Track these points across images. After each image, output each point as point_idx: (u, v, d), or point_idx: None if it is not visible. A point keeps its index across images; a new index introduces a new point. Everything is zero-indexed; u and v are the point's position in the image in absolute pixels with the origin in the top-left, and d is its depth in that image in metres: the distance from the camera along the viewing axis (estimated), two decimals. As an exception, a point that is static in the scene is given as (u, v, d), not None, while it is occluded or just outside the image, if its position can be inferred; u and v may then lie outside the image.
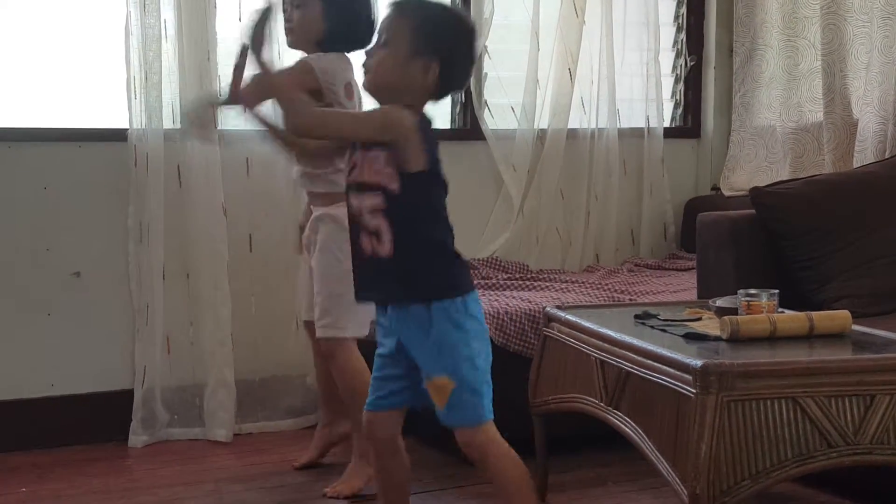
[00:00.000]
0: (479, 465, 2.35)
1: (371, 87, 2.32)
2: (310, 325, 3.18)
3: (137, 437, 3.57)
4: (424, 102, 2.31)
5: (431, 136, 2.28)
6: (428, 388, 2.28)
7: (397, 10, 2.31)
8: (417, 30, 2.26)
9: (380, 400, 2.38)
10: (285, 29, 3.09)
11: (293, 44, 3.11)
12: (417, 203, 2.27)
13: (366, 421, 2.40)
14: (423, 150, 2.24)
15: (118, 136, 3.56)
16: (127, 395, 3.59)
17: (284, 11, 3.08)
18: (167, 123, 3.59)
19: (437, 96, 2.32)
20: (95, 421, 3.59)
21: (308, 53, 3.07)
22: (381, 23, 2.32)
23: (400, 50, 2.26)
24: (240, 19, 3.67)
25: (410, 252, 2.26)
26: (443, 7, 2.37)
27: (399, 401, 2.37)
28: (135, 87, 3.54)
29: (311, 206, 3.11)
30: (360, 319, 3.01)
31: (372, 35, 2.94)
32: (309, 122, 2.32)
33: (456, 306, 2.26)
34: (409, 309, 2.28)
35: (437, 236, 2.29)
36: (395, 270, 2.27)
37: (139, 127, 3.55)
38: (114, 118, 3.63)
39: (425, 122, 2.30)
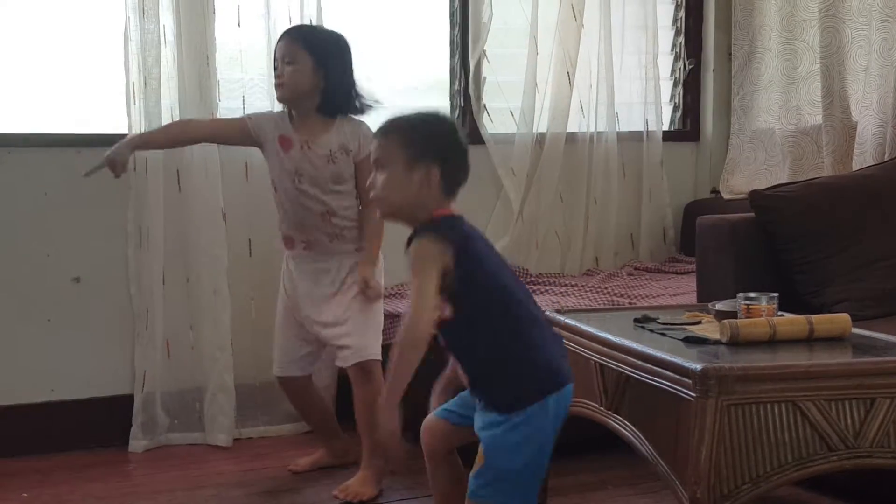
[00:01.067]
0: None
1: (387, 213, 2.38)
2: (288, 382, 3.33)
3: (138, 442, 3.57)
4: (442, 204, 2.32)
5: (462, 245, 2.25)
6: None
7: (381, 134, 2.36)
8: (406, 143, 2.31)
9: (445, 412, 2.42)
10: (276, 84, 3.17)
11: (282, 99, 3.19)
12: (470, 325, 2.26)
13: (425, 428, 2.45)
14: (454, 266, 2.23)
15: (117, 141, 3.55)
16: (127, 400, 3.59)
17: (276, 68, 3.17)
18: (166, 129, 3.60)
19: (450, 192, 2.34)
20: (96, 426, 3.60)
21: (296, 110, 3.18)
22: (372, 153, 2.36)
23: (398, 167, 2.30)
24: (238, 24, 3.68)
25: (478, 375, 2.29)
26: (418, 113, 2.40)
27: (461, 421, 2.38)
28: (134, 93, 3.55)
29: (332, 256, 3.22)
30: (380, 338, 3.23)
31: (359, 104, 3.19)
32: (422, 325, 2.22)
33: (514, 420, 2.24)
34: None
35: (496, 353, 2.27)
36: (480, 386, 2.30)
37: (138, 132, 3.55)
38: (113, 124, 3.63)
39: (446, 234, 2.25)
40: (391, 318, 3.50)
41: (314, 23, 3.69)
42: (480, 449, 2.28)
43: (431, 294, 2.22)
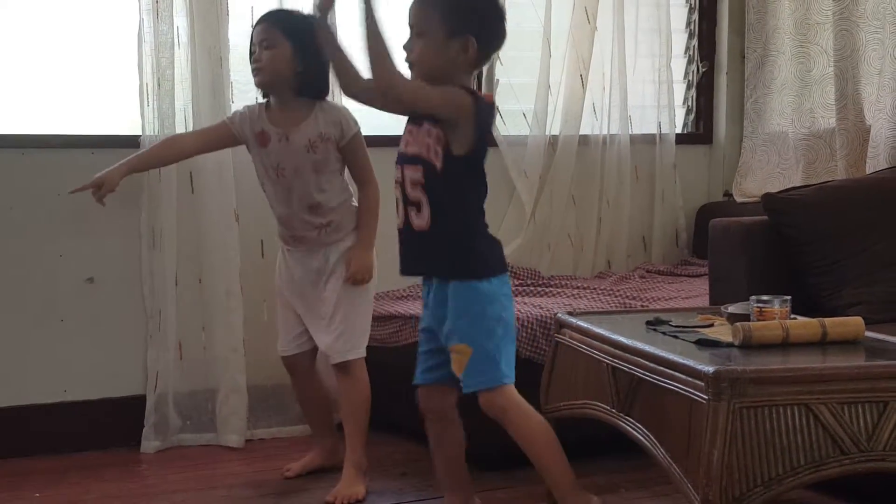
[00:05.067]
0: (503, 426, 2.46)
1: (419, 78, 2.42)
2: (288, 361, 3.31)
3: (150, 443, 3.58)
4: (472, 76, 2.43)
5: (485, 124, 2.40)
6: (451, 355, 2.42)
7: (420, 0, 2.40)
8: (446, 11, 2.35)
9: (425, 374, 2.54)
10: (253, 70, 3.15)
11: (261, 84, 3.17)
12: (455, 184, 2.38)
13: (418, 395, 2.56)
14: (472, 136, 2.35)
15: (131, 142, 3.57)
16: (139, 401, 3.60)
17: (252, 53, 3.15)
18: (180, 130, 3.60)
19: (484, 60, 2.44)
20: (108, 426, 3.61)
21: (274, 94, 3.16)
22: (409, 15, 2.39)
23: (437, 36, 2.36)
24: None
25: (446, 228, 2.39)
26: None
27: (443, 374, 2.50)
28: (147, 94, 3.56)
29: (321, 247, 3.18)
30: (367, 335, 3.22)
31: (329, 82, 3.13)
32: (404, 91, 2.36)
33: (484, 286, 2.40)
34: (448, 285, 2.43)
35: (471, 218, 2.42)
36: (435, 245, 2.41)
37: (152, 133, 3.56)
38: (127, 125, 3.64)
39: (482, 107, 2.38)
40: (400, 320, 3.51)
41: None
42: (459, 349, 2.40)
43: (430, 95, 2.34)
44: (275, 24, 3.12)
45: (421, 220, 2.41)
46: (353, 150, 3.16)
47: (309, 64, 3.07)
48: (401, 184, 2.45)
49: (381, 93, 2.38)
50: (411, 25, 2.40)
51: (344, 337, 3.15)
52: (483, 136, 2.41)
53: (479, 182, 2.45)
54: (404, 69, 2.42)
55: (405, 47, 2.42)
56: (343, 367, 3.15)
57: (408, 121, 2.48)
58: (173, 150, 3.31)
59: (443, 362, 2.50)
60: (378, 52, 2.31)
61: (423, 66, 2.39)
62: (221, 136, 3.23)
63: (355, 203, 3.20)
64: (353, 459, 3.12)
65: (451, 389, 2.53)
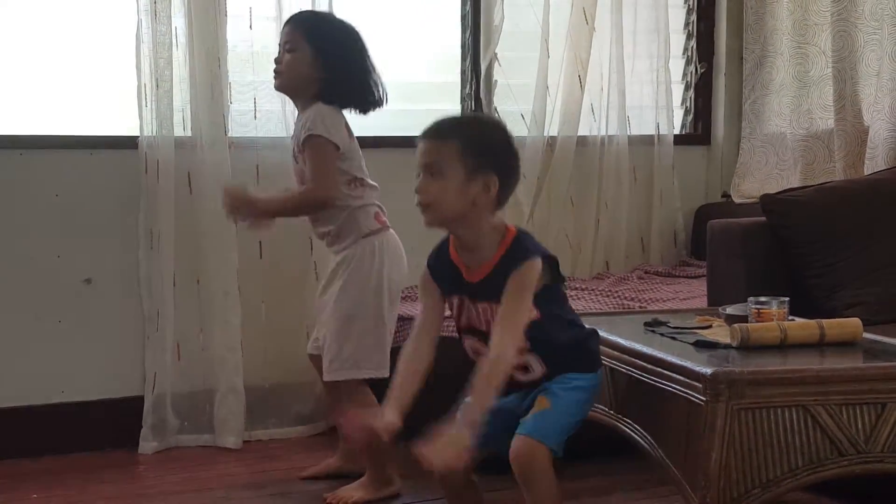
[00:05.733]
0: (522, 483, 2.28)
1: (434, 221, 2.27)
2: (315, 359, 3.21)
3: (147, 444, 3.58)
4: (493, 215, 2.28)
5: (554, 267, 2.30)
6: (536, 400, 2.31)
7: (437, 135, 2.25)
8: (467, 150, 2.21)
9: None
10: (274, 71, 3.07)
11: (279, 87, 3.10)
12: (551, 320, 2.29)
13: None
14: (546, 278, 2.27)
15: (129, 143, 3.57)
16: (137, 402, 3.59)
17: (278, 54, 3.08)
18: (178, 131, 3.60)
19: (503, 202, 2.29)
20: (106, 427, 3.60)
21: (294, 99, 3.09)
22: (423, 154, 2.24)
23: (456, 177, 2.21)
24: (250, 27, 3.68)
25: (558, 361, 2.31)
26: (475, 118, 2.33)
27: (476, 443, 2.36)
28: (145, 95, 3.55)
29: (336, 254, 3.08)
30: (372, 358, 3.03)
31: (365, 98, 3.01)
32: (519, 348, 2.24)
33: (585, 379, 2.33)
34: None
35: (570, 335, 2.34)
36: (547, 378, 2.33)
37: (150, 134, 3.56)
38: (125, 125, 3.64)
39: (548, 263, 2.28)
40: (400, 321, 3.50)
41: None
42: (543, 399, 2.28)
43: (525, 321, 2.22)
44: (298, 27, 3.04)
45: (534, 374, 2.32)
46: (308, 150, 2.97)
47: (332, 70, 2.97)
48: (476, 355, 2.30)
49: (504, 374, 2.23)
50: (424, 164, 2.23)
51: (329, 355, 3.03)
52: (552, 269, 2.29)
53: (564, 299, 2.38)
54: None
55: (418, 189, 2.25)
56: (334, 385, 3.06)
57: (473, 297, 2.31)
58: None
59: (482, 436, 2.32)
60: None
61: (440, 209, 2.23)
62: None
63: (359, 208, 3.03)
64: (371, 473, 3.06)
65: (477, 457, 2.35)
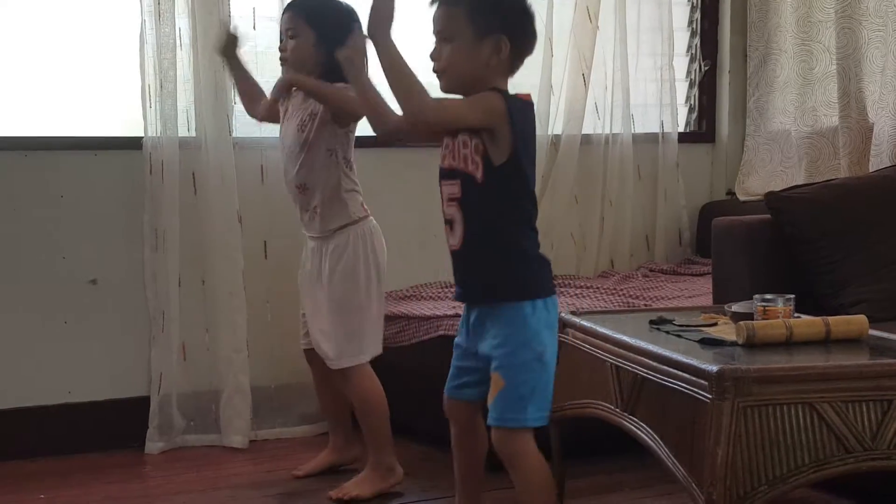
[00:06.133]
0: (507, 468, 2.33)
1: (450, 87, 2.28)
2: (307, 354, 3.26)
3: (154, 444, 3.58)
4: (506, 80, 2.27)
5: (522, 126, 2.24)
6: (491, 378, 2.30)
7: (446, 2, 2.26)
8: (475, 11, 2.22)
9: (455, 390, 2.43)
10: (280, 58, 3.10)
11: (287, 73, 3.11)
12: (495, 197, 2.23)
13: (445, 404, 2.45)
14: (509, 140, 2.21)
15: (133, 144, 3.57)
16: (143, 402, 3.60)
17: (281, 41, 3.10)
18: (182, 131, 3.61)
19: (518, 64, 2.29)
20: (112, 428, 3.61)
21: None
22: (435, 21, 2.26)
23: (465, 38, 2.22)
24: (254, 27, 3.68)
25: (480, 247, 2.25)
26: None
27: (472, 394, 2.40)
28: (150, 96, 3.56)
29: (317, 240, 3.12)
30: (374, 340, 3.12)
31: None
32: (430, 113, 2.23)
33: (527, 310, 2.26)
34: (485, 308, 2.30)
35: (511, 234, 2.27)
36: (468, 265, 2.28)
37: (154, 135, 3.56)
38: (129, 126, 3.64)
39: (517, 107, 2.24)
40: (404, 320, 3.51)
41: None
42: (496, 377, 2.26)
43: (456, 111, 2.20)
44: (299, 13, 3.06)
45: (454, 239, 2.29)
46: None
47: (329, 52, 2.91)
48: (442, 201, 2.32)
49: (410, 124, 2.26)
50: (437, 31, 2.25)
51: (331, 343, 3.08)
52: (522, 138, 2.23)
53: (521, 194, 2.27)
54: (434, 90, 2.27)
55: (432, 56, 2.27)
56: (340, 374, 3.11)
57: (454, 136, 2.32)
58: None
59: (472, 382, 2.40)
60: (398, 83, 2.19)
61: (454, 73, 2.23)
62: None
63: (350, 192, 3.08)
64: (371, 461, 3.10)
65: (478, 405, 2.42)
